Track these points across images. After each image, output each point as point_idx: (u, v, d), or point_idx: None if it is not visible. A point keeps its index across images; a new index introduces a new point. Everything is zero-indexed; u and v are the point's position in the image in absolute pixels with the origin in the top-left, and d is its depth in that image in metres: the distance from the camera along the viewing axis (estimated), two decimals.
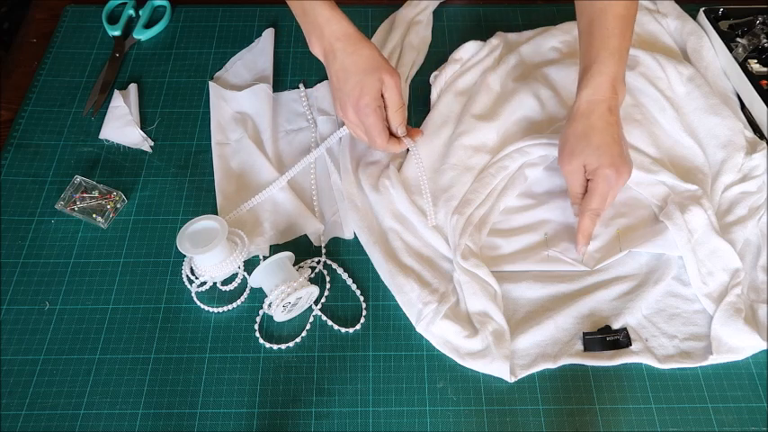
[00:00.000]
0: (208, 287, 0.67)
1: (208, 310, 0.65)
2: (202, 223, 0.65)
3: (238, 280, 0.67)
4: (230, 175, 0.75)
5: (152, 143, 0.78)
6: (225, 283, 0.67)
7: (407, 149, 0.73)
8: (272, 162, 0.75)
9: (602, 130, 0.67)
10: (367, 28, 0.91)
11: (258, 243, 0.69)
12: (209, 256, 0.64)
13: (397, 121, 0.71)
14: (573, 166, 0.68)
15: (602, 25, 0.68)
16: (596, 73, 0.67)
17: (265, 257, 0.68)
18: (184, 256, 0.68)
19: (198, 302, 0.66)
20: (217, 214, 0.71)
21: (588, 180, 0.68)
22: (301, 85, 0.84)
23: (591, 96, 0.67)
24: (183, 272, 0.67)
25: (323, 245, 0.70)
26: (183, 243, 0.64)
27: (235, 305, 0.66)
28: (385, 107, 0.70)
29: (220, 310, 0.65)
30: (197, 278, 0.66)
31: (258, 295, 0.67)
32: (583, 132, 0.67)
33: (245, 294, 0.66)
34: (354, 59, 0.69)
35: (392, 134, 0.72)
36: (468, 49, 0.86)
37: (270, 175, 0.74)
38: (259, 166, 0.75)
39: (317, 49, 0.72)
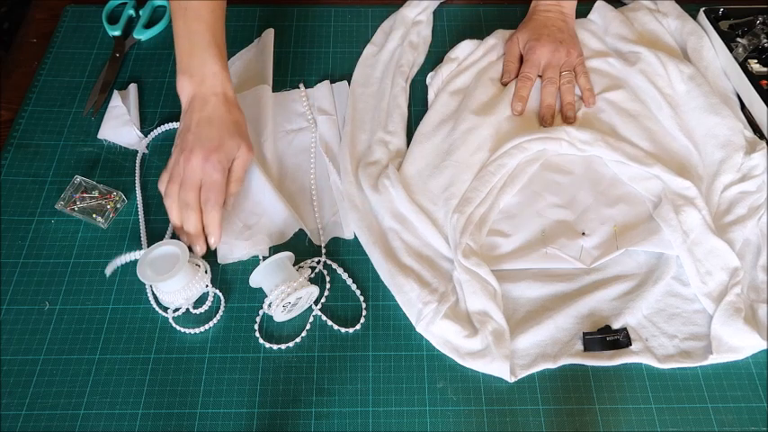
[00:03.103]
0: (182, 312, 0.65)
1: (187, 332, 0.64)
2: (161, 249, 0.64)
3: (210, 299, 0.66)
4: None
5: (148, 142, 0.78)
6: (196, 306, 0.66)
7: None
8: (261, 164, 0.75)
9: (545, 20, 0.84)
10: (367, 28, 0.91)
11: (256, 242, 0.69)
12: (171, 282, 0.62)
13: (231, 191, 0.69)
14: (510, 42, 0.84)
15: None
16: None
17: (265, 257, 0.67)
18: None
19: (175, 325, 0.64)
20: None
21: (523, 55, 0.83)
22: (301, 85, 0.84)
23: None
24: (150, 299, 0.66)
25: (323, 245, 0.70)
26: (144, 272, 0.62)
27: (210, 324, 0.64)
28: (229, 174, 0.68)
29: (197, 330, 0.64)
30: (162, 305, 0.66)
31: (258, 295, 0.67)
32: (528, 20, 0.86)
33: (220, 312, 0.65)
34: (223, 119, 0.68)
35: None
36: (464, 48, 0.86)
37: (256, 177, 0.73)
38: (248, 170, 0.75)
39: (185, 89, 0.69)
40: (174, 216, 0.67)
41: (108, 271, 0.66)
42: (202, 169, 0.66)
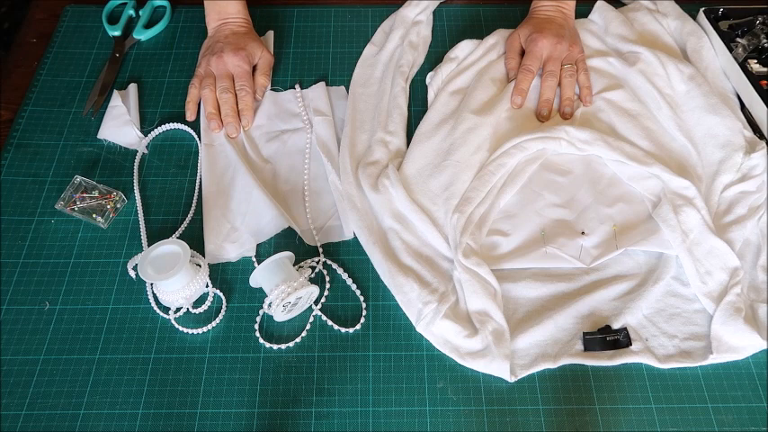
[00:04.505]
0: (183, 312, 0.65)
1: (188, 332, 0.64)
2: (163, 248, 0.64)
3: (210, 299, 0.66)
4: (214, 177, 0.75)
5: (148, 142, 0.78)
6: (196, 306, 0.66)
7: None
8: (252, 163, 0.75)
9: (546, 18, 0.85)
10: (367, 28, 0.91)
11: (243, 244, 0.69)
12: (172, 281, 0.62)
13: (261, 83, 0.82)
14: (511, 38, 0.85)
15: None
16: None
17: (257, 258, 0.67)
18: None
19: (177, 326, 0.64)
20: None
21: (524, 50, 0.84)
22: (297, 86, 0.84)
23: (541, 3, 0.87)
24: (149, 299, 0.66)
25: (318, 245, 0.70)
26: (145, 270, 0.62)
27: (213, 325, 0.65)
28: (254, 71, 0.83)
29: (197, 331, 0.64)
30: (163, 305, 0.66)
31: (258, 295, 0.67)
32: (528, 19, 0.87)
33: (222, 313, 0.65)
34: (245, 32, 0.84)
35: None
36: (464, 48, 0.86)
37: (243, 178, 0.73)
38: (234, 170, 0.75)
39: (212, 21, 0.85)
40: (211, 104, 0.79)
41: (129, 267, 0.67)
42: (233, 62, 0.80)
